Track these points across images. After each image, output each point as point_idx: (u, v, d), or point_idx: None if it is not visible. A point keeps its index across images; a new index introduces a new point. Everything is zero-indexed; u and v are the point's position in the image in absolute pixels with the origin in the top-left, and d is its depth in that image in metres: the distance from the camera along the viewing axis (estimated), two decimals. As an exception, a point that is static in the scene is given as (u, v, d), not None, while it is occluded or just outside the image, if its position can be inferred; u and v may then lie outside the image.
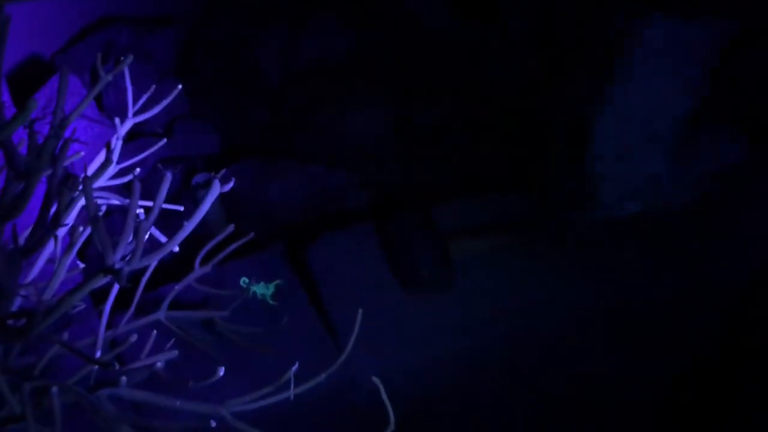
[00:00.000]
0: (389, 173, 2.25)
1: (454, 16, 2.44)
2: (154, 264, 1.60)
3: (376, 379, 1.23)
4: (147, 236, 1.02)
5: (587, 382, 2.01)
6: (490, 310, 1.85)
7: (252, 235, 1.70)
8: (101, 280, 0.94)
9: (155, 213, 1.00)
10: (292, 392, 1.22)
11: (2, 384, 0.87)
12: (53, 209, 1.02)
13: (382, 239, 1.93)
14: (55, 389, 0.90)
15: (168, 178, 1.03)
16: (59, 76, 1.01)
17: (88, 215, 0.92)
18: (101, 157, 1.43)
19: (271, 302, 1.78)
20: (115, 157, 1.30)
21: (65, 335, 1.07)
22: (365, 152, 2.27)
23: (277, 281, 1.80)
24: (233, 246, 1.62)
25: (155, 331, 1.50)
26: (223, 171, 1.40)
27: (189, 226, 1.24)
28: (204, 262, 1.52)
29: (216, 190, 1.20)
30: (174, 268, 1.66)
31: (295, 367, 1.20)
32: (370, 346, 1.37)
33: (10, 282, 0.95)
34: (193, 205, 1.26)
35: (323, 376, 1.28)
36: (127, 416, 1.04)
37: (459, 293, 1.85)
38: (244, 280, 1.79)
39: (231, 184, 1.18)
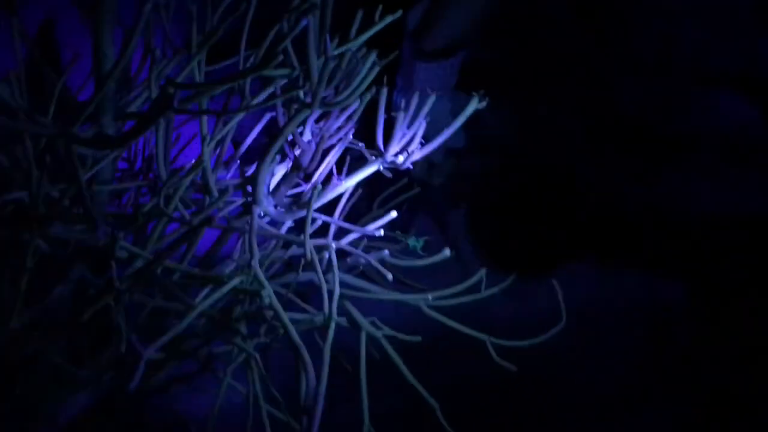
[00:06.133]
0: (517, 165, 2.60)
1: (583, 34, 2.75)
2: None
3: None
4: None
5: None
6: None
7: (418, 189, 2.04)
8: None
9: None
10: (482, 293, 1.51)
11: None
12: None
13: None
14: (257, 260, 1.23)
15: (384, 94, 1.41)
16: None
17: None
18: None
19: (421, 253, 2.10)
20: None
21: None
22: (498, 146, 2.64)
23: (426, 237, 2.13)
24: (403, 196, 1.97)
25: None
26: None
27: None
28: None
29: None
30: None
31: (484, 271, 1.49)
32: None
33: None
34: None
35: (503, 284, 1.55)
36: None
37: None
38: (397, 233, 2.12)
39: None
